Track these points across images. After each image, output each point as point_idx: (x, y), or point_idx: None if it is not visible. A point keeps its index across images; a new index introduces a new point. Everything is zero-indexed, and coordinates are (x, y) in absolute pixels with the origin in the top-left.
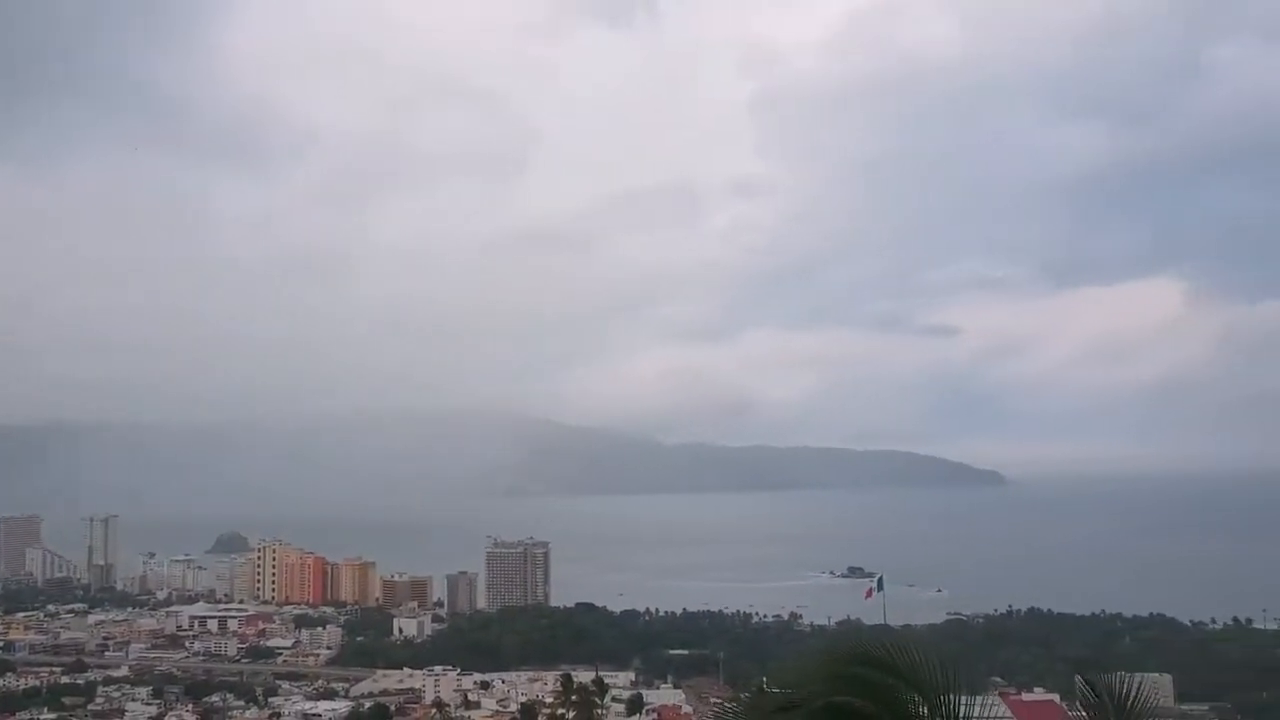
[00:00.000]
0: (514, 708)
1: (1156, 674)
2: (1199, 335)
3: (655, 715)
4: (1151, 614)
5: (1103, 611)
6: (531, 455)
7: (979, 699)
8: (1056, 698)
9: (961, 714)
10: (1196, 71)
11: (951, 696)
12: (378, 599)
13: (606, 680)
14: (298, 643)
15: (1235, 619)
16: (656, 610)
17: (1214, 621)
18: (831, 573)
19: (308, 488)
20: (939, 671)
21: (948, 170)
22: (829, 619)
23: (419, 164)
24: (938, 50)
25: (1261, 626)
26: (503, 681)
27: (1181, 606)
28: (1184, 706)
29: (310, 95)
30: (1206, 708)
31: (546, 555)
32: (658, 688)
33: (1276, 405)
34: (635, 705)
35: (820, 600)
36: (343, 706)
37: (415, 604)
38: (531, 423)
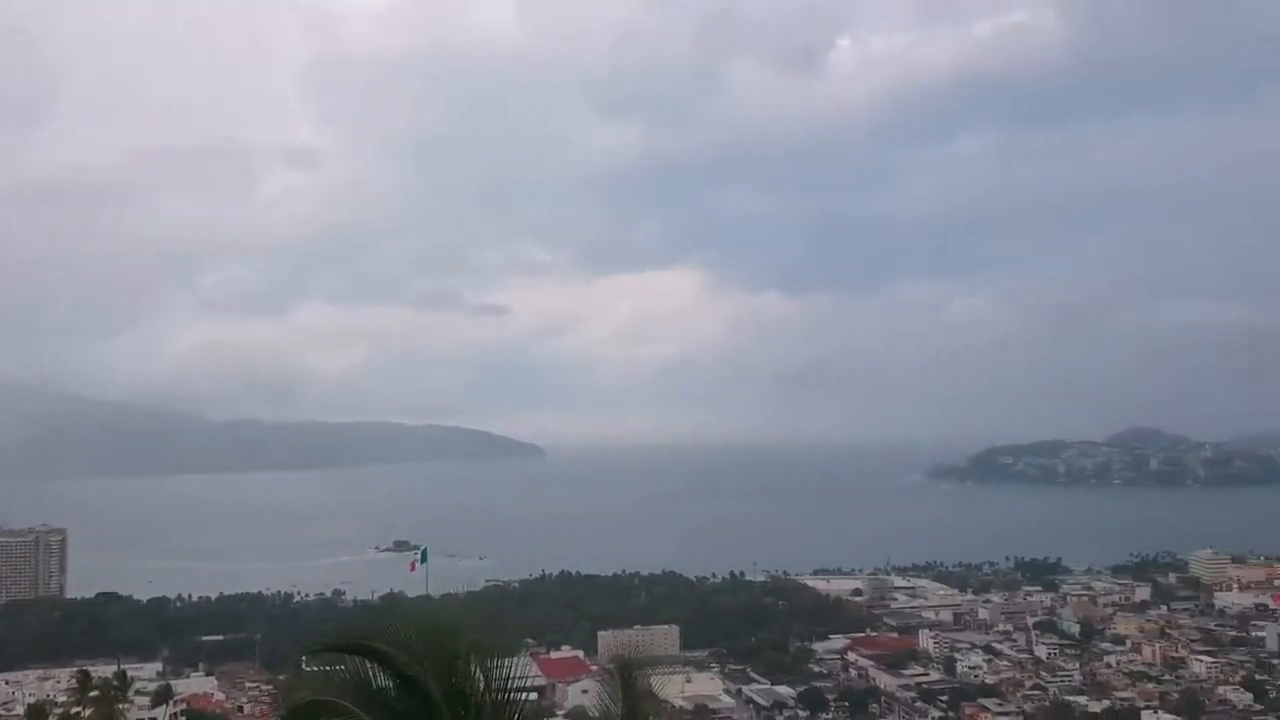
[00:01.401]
0: (19, 710)
1: (666, 625)
2: (712, 320)
3: (184, 705)
4: (664, 571)
5: (623, 571)
6: (48, 433)
7: (512, 660)
8: (581, 654)
9: (495, 675)
10: (714, 82)
11: (489, 660)
12: None
13: (130, 673)
14: None
15: (732, 573)
16: (190, 596)
17: (714, 576)
18: (377, 547)
19: None
20: (489, 639)
21: (498, 153)
22: (373, 593)
23: None
24: (494, 35)
25: (753, 579)
26: (6, 683)
27: (689, 563)
28: (688, 653)
29: None
30: (706, 653)
31: (64, 543)
32: (188, 677)
33: (774, 383)
34: (162, 696)
35: (366, 575)
36: None
37: None
38: (47, 397)
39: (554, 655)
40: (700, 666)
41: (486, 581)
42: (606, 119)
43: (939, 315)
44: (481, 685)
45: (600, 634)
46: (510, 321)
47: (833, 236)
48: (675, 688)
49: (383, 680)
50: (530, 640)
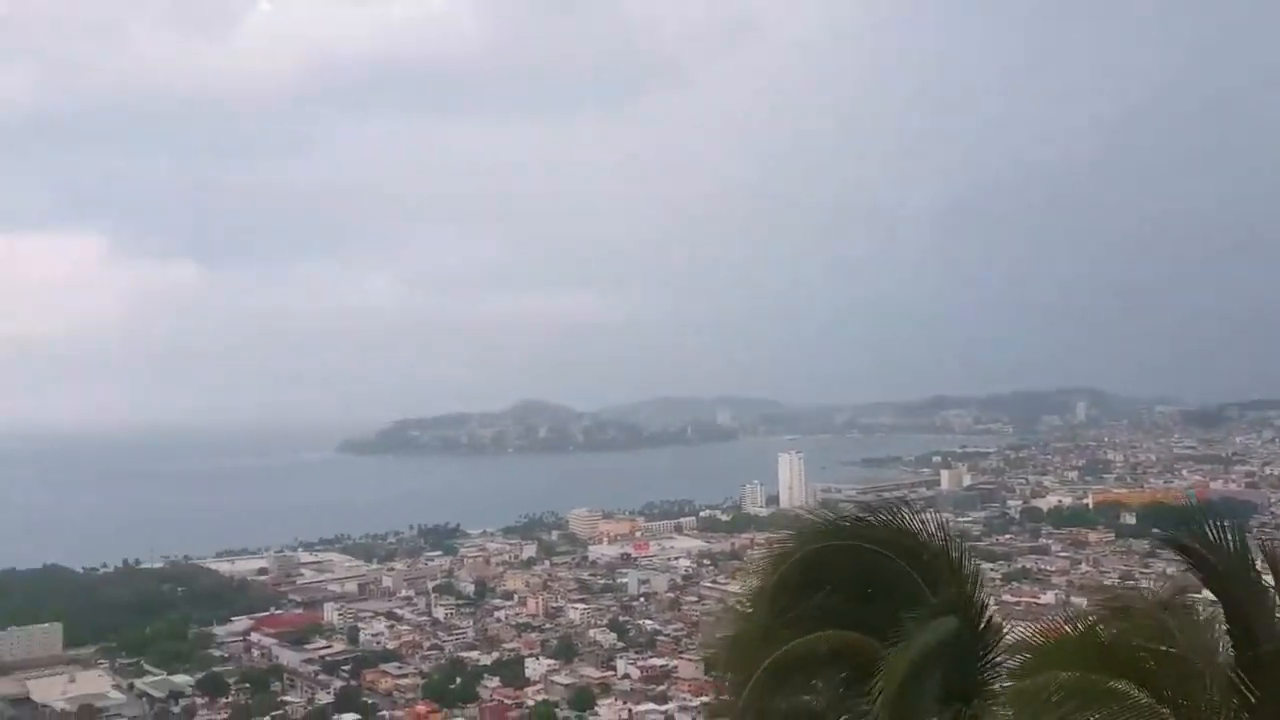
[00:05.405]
0: None
1: (46, 624)
2: (114, 291)
3: None
4: (45, 565)
5: None
6: None
7: None
8: None
9: None
10: (120, 36)
11: None
12: None
13: None
14: None
15: (125, 562)
16: None
17: (106, 566)
18: None
19: None
20: None
21: None
22: None
23: None
24: None
25: (150, 566)
26: None
27: (76, 555)
28: (72, 651)
29: None
30: (93, 649)
31: None
32: None
33: (181, 363)
34: None
35: None
36: None
37: None
38: None
39: None
40: (86, 664)
41: None
42: None
43: (349, 291)
44: None
45: None
46: None
47: (244, 206)
48: (56, 689)
49: None
50: None
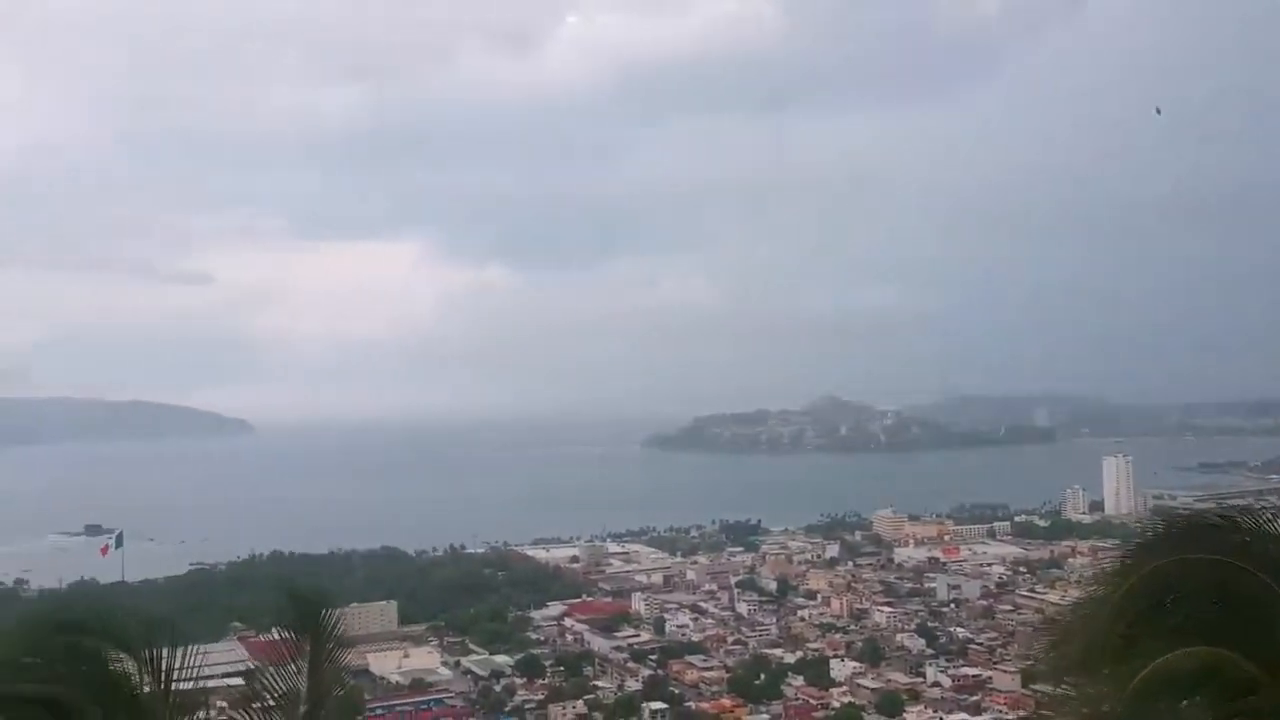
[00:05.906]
0: None
1: (384, 601)
2: (432, 293)
3: None
4: (382, 547)
5: (339, 548)
6: None
7: (216, 646)
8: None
9: (166, 665)
10: (445, 55)
11: (156, 650)
12: None
13: None
14: None
15: (452, 546)
16: None
17: (434, 550)
18: (66, 533)
19: None
20: (143, 629)
21: (208, 113)
22: (60, 581)
23: None
24: None
25: (473, 551)
26: None
27: (408, 538)
28: (406, 628)
29: None
30: (424, 627)
31: None
32: None
33: (493, 358)
34: None
35: (53, 562)
36: None
37: None
38: None
39: (264, 638)
40: (418, 641)
41: (190, 565)
42: (330, 84)
43: (652, 291)
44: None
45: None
46: (215, 291)
47: (556, 212)
48: (392, 663)
49: None
50: (238, 624)
